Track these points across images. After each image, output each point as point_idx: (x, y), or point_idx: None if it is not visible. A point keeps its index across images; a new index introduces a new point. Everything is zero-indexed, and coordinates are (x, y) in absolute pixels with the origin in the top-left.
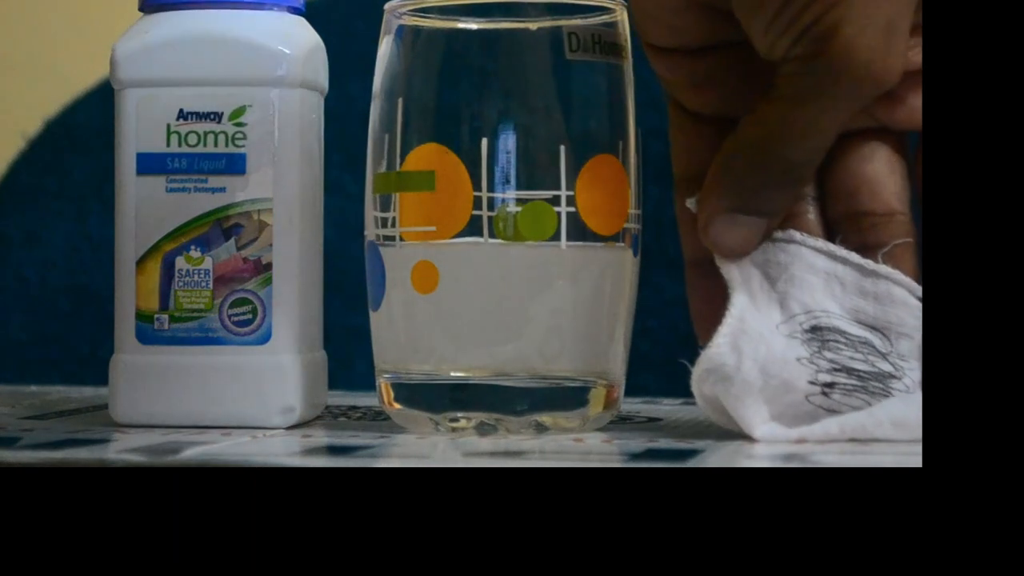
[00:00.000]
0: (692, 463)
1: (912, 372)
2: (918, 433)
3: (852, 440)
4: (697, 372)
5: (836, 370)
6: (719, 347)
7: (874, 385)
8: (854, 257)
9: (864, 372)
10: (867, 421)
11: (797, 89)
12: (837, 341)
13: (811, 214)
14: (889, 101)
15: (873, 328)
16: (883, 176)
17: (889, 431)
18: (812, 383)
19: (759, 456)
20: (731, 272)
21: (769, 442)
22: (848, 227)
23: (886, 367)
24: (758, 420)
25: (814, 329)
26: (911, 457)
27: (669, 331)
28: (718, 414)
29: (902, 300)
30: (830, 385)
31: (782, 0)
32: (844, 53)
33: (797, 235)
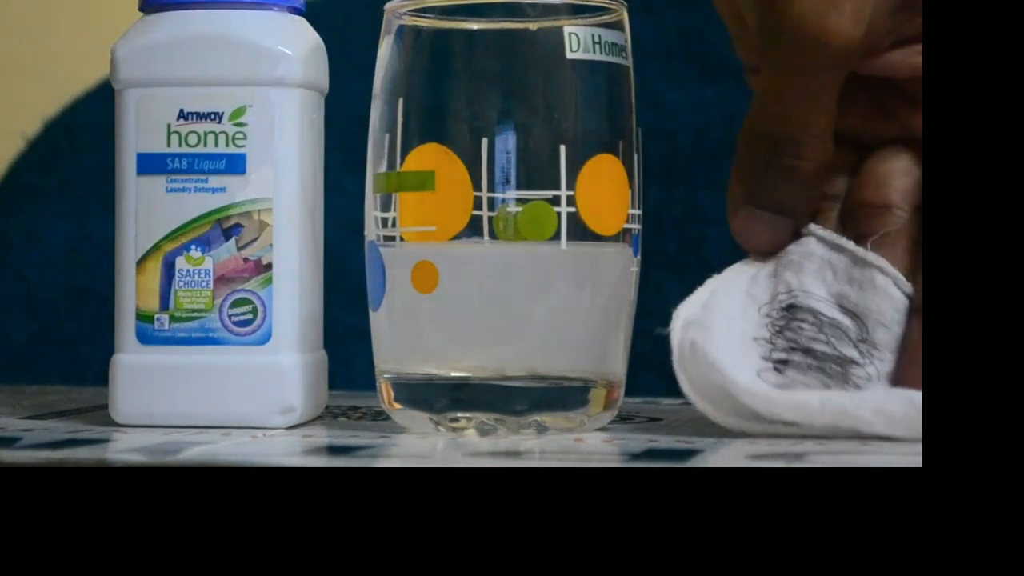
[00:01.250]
0: (692, 463)
1: (880, 363)
2: (899, 426)
3: (834, 424)
4: (675, 339)
5: (792, 349)
6: (692, 302)
7: (832, 368)
8: (849, 245)
9: (822, 353)
10: (848, 403)
11: (761, 59)
12: (804, 320)
13: (836, 212)
14: (919, 110)
15: (853, 314)
16: (892, 175)
17: (869, 416)
18: (764, 359)
19: (759, 456)
20: (746, 266)
21: (751, 397)
22: (848, 217)
23: (851, 352)
24: (740, 372)
25: (789, 308)
26: (911, 457)
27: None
28: (701, 399)
29: (883, 288)
30: (783, 362)
31: None
32: (783, 7)
33: (813, 226)
